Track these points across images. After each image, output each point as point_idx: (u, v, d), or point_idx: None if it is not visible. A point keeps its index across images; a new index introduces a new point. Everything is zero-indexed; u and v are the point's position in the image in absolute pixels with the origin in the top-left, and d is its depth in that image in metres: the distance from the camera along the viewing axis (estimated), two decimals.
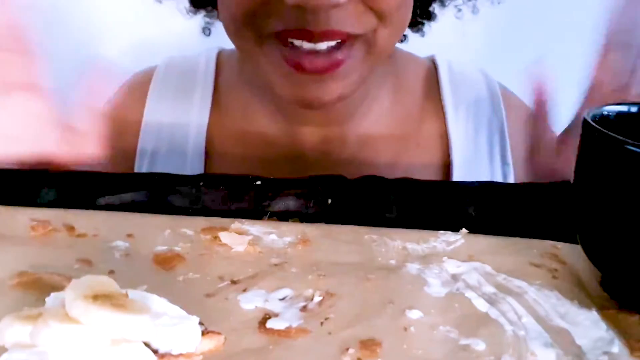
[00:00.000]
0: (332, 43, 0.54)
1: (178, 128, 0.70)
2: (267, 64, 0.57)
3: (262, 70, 0.59)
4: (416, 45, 0.79)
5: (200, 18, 0.79)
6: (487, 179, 0.68)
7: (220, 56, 0.73)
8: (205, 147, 0.69)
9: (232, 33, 0.59)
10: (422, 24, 0.77)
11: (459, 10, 0.77)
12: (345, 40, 0.55)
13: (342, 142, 0.68)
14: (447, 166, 0.69)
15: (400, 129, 0.69)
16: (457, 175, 0.68)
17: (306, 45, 0.54)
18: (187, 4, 0.76)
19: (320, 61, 0.54)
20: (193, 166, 0.68)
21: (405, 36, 0.77)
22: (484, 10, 0.77)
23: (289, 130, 0.68)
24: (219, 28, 0.78)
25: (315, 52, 0.54)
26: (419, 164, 0.69)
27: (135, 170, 0.69)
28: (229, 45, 0.76)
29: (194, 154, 0.69)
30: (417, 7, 0.75)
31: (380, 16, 0.54)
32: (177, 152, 0.69)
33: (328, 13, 0.52)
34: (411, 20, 0.75)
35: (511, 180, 0.69)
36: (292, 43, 0.55)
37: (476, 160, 0.70)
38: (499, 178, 0.70)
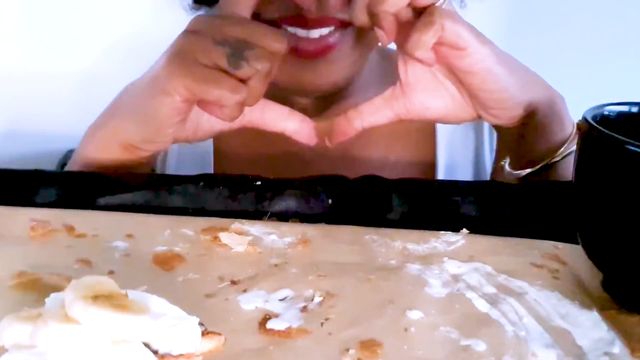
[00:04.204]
0: (325, 31, 0.57)
1: None
2: None
3: None
4: None
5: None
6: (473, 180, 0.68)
7: None
8: (214, 147, 0.69)
9: None
10: None
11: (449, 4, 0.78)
12: (338, 27, 0.57)
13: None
14: (433, 165, 0.69)
15: (392, 127, 0.70)
16: (442, 175, 0.69)
17: (300, 32, 0.57)
18: (190, 1, 0.77)
19: (313, 45, 0.57)
20: (204, 165, 0.68)
21: None
22: (473, 5, 0.77)
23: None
24: None
25: (309, 39, 0.57)
26: (406, 162, 0.69)
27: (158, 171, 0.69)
28: None
29: (204, 157, 0.69)
30: None
31: None
32: (187, 151, 0.69)
33: (322, 1, 0.55)
34: None
35: None
36: (286, 29, 0.57)
37: (464, 162, 0.71)
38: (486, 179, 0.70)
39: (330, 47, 0.57)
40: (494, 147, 0.70)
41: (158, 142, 0.53)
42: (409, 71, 0.52)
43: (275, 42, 0.48)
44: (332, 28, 0.57)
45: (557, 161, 0.54)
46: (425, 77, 0.53)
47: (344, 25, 0.57)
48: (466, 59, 0.49)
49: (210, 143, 0.70)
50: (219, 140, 0.69)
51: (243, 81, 0.47)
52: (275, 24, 0.57)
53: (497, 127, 0.58)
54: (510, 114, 0.53)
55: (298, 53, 0.57)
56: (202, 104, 0.49)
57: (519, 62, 0.54)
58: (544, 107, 0.54)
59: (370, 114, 0.54)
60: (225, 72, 0.47)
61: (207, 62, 0.47)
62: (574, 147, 0.53)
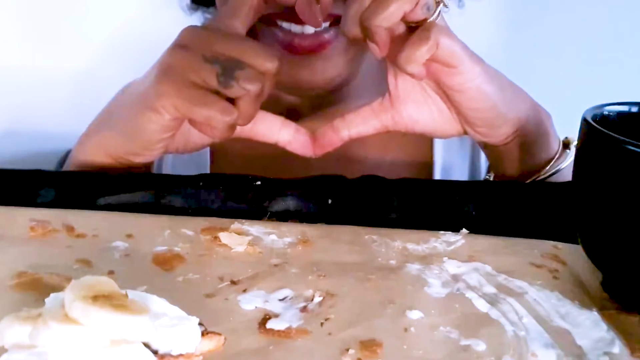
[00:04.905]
0: (319, 27, 0.56)
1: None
2: None
3: None
4: None
5: (199, 15, 0.79)
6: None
7: None
8: (210, 147, 0.69)
9: None
10: None
11: (445, 5, 0.77)
12: (333, 23, 0.57)
13: None
14: (429, 166, 0.69)
15: None
16: (438, 176, 0.68)
17: (295, 28, 0.56)
18: (188, 1, 0.77)
19: (309, 41, 0.57)
20: (200, 166, 0.68)
21: None
22: (471, 5, 0.77)
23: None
24: None
25: (304, 35, 0.56)
26: (403, 163, 0.69)
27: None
28: None
29: (200, 157, 0.69)
30: None
31: None
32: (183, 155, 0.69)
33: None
34: None
35: None
36: (281, 26, 0.57)
37: (460, 162, 0.70)
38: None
39: (326, 43, 0.57)
40: None
41: (146, 155, 0.53)
42: (399, 84, 0.52)
43: (266, 62, 0.47)
44: (327, 24, 0.56)
45: (544, 179, 0.54)
46: (415, 90, 0.52)
47: (338, 21, 0.56)
48: (456, 77, 0.49)
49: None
50: (215, 143, 0.69)
51: (234, 100, 0.47)
52: (269, 19, 0.57)
53: (482, 144, 0.58)
54: (497, 133, 0.53)
55: (293, 49, 0.57)
56: (193, 122, 0.48)
57: (507, 79, 0.54)
58: (530, 126, 0.53)
59: (357, 124, 0.54)
60: (216, 91, 0.46)
61: (197, 80, 0.46)
62: (561, 166, 0.53)
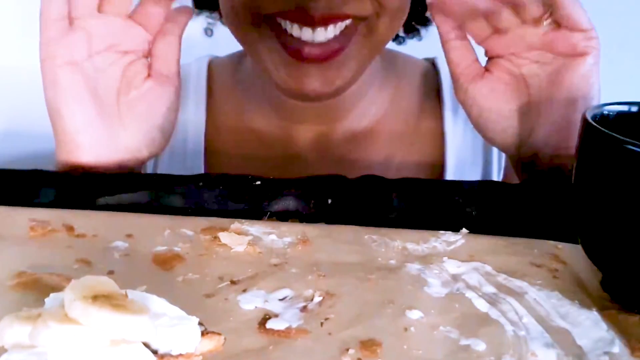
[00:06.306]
0: (330, 34, 0.54)
1: (176, 132, 0.69)
2: (266, 51, 0.57)
3: (260, 60, 0.58)
4: (414, 46, 0.78)
5: (202, 19, 0.79)
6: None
7: (212, 63, 0.73)
8: (205, 150, 0.69)
9: (230, 18, 0.59)
10: (418, 29, 0.77)
11: None
12: (347, 26, 0.54)
13: (338, 140, 0.68)
14: (440, 166, 0.69)
15: (396, 128, 0.69)
16: (450, 177, 0.68)
17: (305, 33, 0.54)
18: (191, 4, 0.76)
19: (320, 51, 0.54)
20: (194, 168, 0.68)
21: (403, 38, 0.77)
22: None
23: (283, 128, 0.67)
24: (220, 29, 0.78)
25: (314, 44, 0.54)
26: (412, 163, 0.69)
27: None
28: (223, 50, 0.75)
29: (194, 157, 0.69)
30: (413, 14, 0.75)
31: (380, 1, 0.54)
32: (178, 155, 0.69)
33: None
34: (407, 25, 0.76)
35: None
36: (291, 34, 0.54)
37: (472, 164, 0.70)
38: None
39: (338, 50, 0.55)
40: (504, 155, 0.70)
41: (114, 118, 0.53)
42: (498, 73, 0.53)
43: None
44: (337, 32, 0.54)
45: None
46: (503, 91, 0.53)
47: (353, 22, 0.54)
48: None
49: (201, 144, 0.69)
50: (211, 141, 0.69)
51: None
52: (274, 22, 0.55)
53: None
54: (502, 143, 0.54)
55: (302, 58, 0.54)
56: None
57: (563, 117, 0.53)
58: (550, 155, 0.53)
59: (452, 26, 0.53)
60: None
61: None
62: None
